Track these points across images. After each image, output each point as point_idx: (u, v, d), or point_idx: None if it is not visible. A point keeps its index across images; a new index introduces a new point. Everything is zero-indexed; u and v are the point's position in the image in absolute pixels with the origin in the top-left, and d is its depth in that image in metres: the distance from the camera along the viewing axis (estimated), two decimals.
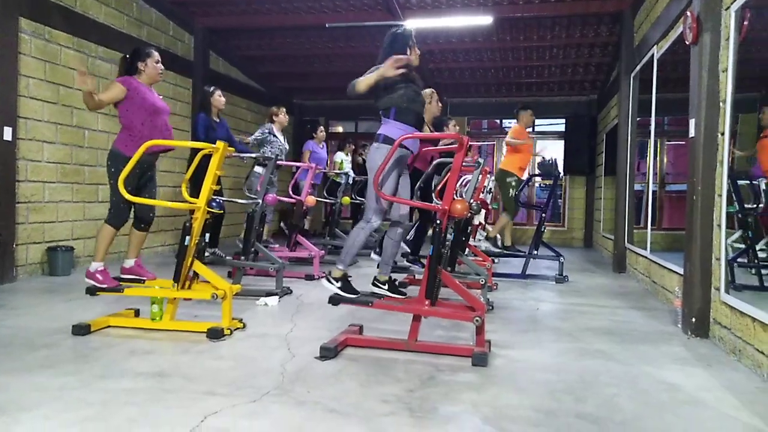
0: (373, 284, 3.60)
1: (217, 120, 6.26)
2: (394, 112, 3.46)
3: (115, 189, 3.85)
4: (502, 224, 6.59)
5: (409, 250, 5.41)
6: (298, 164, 7.34)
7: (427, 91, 5.22)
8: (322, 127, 8.64)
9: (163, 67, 4.11)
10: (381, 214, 3.49)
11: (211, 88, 6.24)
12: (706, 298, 3.84)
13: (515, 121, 7.03)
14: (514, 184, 6.39)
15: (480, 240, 7.24)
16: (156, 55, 4.06)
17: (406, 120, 3.47)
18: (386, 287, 3.57)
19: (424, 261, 5.33)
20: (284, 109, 6.98)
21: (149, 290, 3.82)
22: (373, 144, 3.54)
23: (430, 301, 3.33)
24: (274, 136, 6.70)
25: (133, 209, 4.02)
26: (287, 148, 6.85)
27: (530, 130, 7.94)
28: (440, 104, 5.47)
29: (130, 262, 4.01)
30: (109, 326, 3.71)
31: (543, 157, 7.29)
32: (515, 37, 8.33)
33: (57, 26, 5.86)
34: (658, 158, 6.39)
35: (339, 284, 3.47)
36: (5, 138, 5.19)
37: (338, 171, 8.76)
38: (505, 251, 6.52)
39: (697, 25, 3.93)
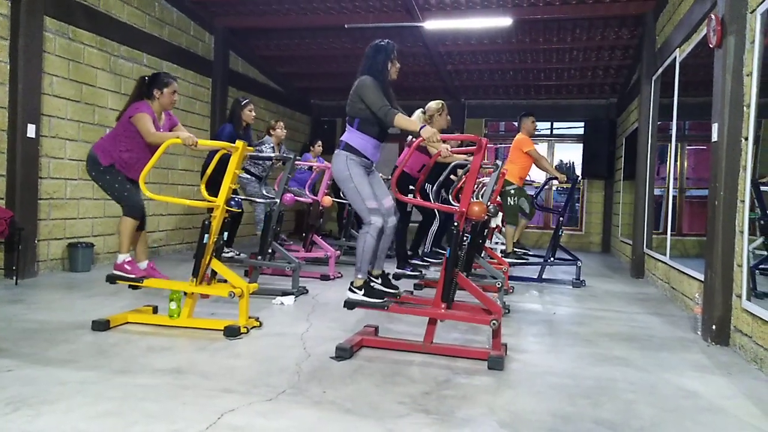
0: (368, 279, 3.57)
1: (242, 132, 6.14)
2: (358, 122, 3.50)
3: (110, 188, 3.97)
4: (509, 236, 6.53)
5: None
6: (311, 164, 7.32)
7: (435, 105, 5.07)
8: (320, 142, 8.42)
9: (177, 98, 4.14)
10: (377, 212, 3.46)
11: (244, 101, 5.95)
12: (727, 305, 3.78)
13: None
14: (513, 192, 6.34)
15: (497, 243, 7.20)
16: (174, 85, 4.08)
17: (368, 132, 3.49)
18: (380, 281, 3.56)
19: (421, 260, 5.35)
20: (282, 124, 6.74)
21: (167, 283, 3.86)
22: (336, 150, 3.56)
23: (446, 305, 3.32)
24: (273, 149, 6.49)
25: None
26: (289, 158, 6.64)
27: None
28: (449, 118, 5.28)
29: (143, 265, 4.04)
30: (127, 322, 3.76)
31: (561, 161, 7.21)
32: (534, 39, 8.28)
33: (80, 25, 5.95)
34: (678, 163, 6.30)
35: (362, 292, 3.45)
36: (29, 135, 5.28)
37: None
38: (522, 257, 6.47)
39: (722, 27, 3.88)
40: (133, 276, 3.88)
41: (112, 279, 3.89)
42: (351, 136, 3.52)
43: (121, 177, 3.94)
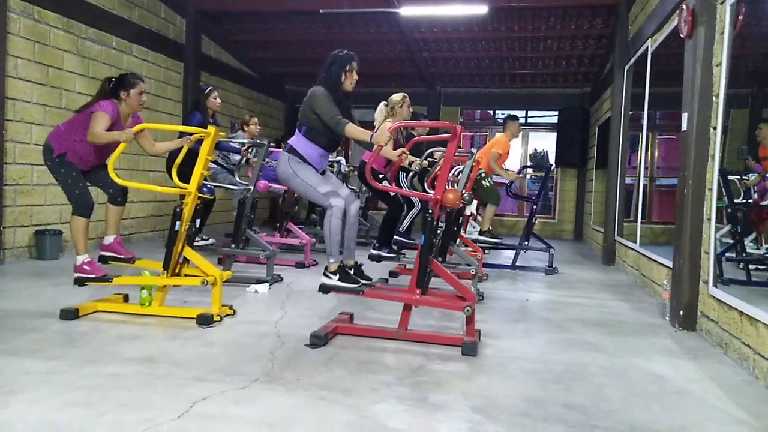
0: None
1: (211, 121, 6.03)
2: (305, 130, 3.51)
3: (63, 182, 3.85)
4: (489, 215, 6.60)
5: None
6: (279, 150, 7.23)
7: (397, 96, 5.07)
8: None
9: (146, 98, 4.03)
10: (334, 194, 3.49)
11: (207, 89, 5.81)
12: (695, 292, 3.87)
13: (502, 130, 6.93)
14: (483, 175, 6.38)
15: (473, 230, 7.24)
16: (142, 85, 3.96)
17: (315, 140, 3.52)
18: (353, 272, 3.57)
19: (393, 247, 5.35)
20: (256, 120, 6.72)
21: (138, 279, 3.78)
22: (282, 152, 3.59)
23: (420, 291, 3.34)
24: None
25: (108, 188, 3.99)
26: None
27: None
28: (411, 110, 5.28)
29: (109, 239, 3.97)
30: (97, 311, 3.68)
31: (535, 149, 7.27)
32: (510, 27, 8.30)
33: (46, 6, 5.76)
34: (649, 152, 6.41)
35: (337, 277, 3.46)
36: None
37: (330, 160, 8.66)
38: (496, 240, 6.53)
39: (693, 18, 3.93)
40: (94, 276, 3.80)
41: (80, 282, 3.81)
42: (297, 141, 3.54)
43: (75, 173, 3.82)
